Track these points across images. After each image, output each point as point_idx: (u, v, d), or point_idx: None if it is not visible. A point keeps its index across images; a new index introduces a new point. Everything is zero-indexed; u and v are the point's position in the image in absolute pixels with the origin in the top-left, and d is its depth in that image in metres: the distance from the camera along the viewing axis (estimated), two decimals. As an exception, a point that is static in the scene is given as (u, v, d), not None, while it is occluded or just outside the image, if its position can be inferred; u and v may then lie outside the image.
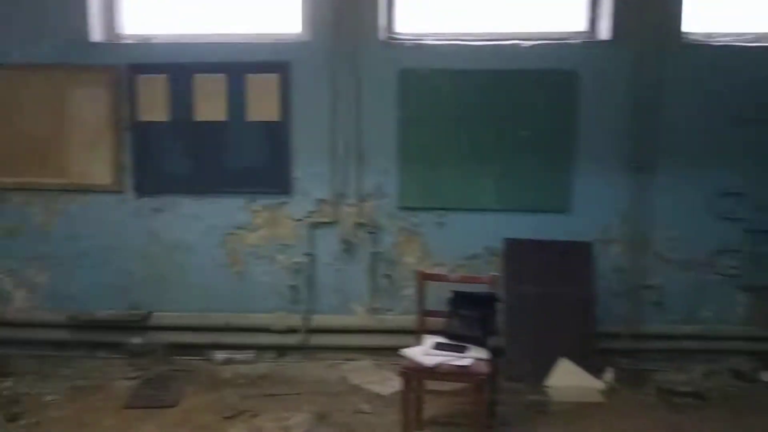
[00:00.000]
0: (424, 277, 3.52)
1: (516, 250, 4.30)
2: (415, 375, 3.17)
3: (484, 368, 3.10)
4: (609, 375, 4.10)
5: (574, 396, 3.88)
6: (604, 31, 4.24)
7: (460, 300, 3.37)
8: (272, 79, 4.30)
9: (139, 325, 4.44)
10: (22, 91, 4.37)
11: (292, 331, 4.43)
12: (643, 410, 3.75)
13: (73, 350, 4.45)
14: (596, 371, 4.08)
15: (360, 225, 4.40)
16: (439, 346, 3.24)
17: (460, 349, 3.20)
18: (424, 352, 3.19)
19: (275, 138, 4.36)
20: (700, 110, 4.20)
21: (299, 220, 4.43)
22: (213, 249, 4.47)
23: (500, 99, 4.25)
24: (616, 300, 4.33)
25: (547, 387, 3.97)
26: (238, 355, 4.38)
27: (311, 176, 4.39)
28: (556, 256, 4.26)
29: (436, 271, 4.25)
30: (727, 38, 4.25)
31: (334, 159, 4.35)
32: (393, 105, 4.29)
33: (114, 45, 4.41)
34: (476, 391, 3.10)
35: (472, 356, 3.15)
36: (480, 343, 3.26)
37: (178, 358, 4.36)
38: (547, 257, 4.27)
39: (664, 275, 4.31)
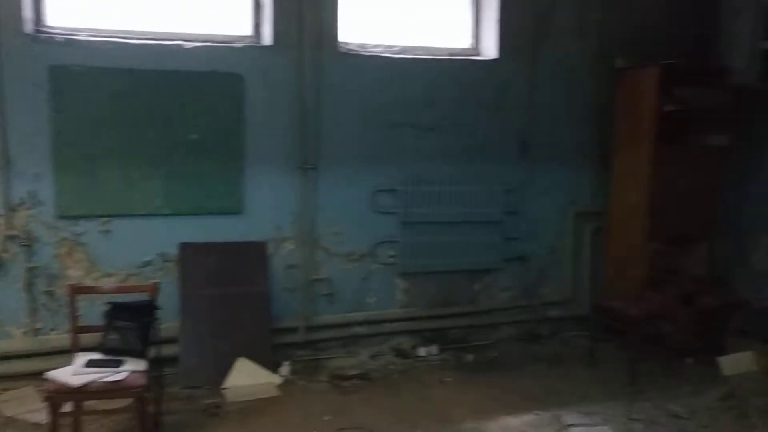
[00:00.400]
0: (76, 291, 3.28)
1: (191, 254, 4.24)
2: (63, 398, 2.94)
3: (140, 381, 2.99)
4: (285, 368, 4.27)
5: (252, 394, 3.95)
6: (267, 36, 4.37)
7: (117, 312, 3.21)
8: None
9: None
10: None
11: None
12: (315, 397, 3.98)
13: None
14: (274, 366, 4.22)
15: (11, 238, 3.95)
16: (92, 364, 3.04)
17: (116, 364, 3.05)
18: (75, 371, 2.97)
19: None
20: (357, 115, 4.56)
21: (-69, 236, 3.83)
22: None
23: (165, 100, 4.14)
24: (291, 295, 4.52)
25: (225, 389, 3.99)
26: None
27: (-55, 185, 3.82)
28: (232, 257, 4.31)
29: (105, 282, 4.03)
30: (378, 49, 4.68)
31: (-26, 165, 3.84)
32: (44, 104, 3.92)
33: None
34: (135, 405, 2.99)
35: (127, 369, 3.02)
36: (138, 354, 3.14)
37: None
38: (222, 259, 4.28)
39: (333, 268, 4.61)
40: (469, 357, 4.67)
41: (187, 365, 4.05)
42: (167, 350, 3.76)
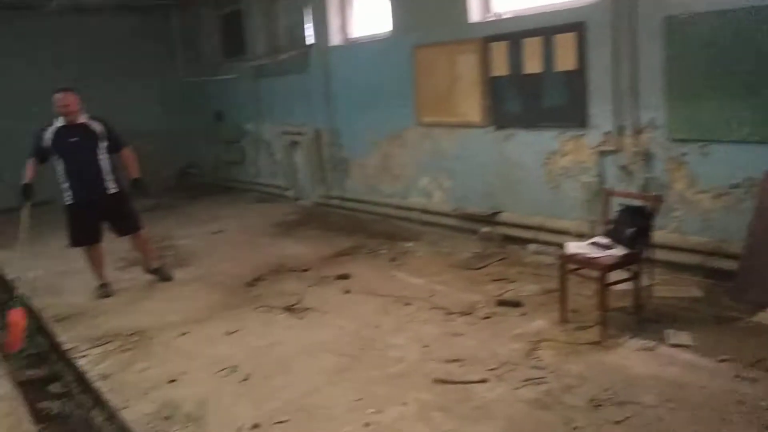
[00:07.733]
0: (608, 194, 4.42)
1: (777, 182, 4.41)
2: (563, 260, 4.26)
3: (609, 262, 3.97)
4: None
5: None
6: None
7: (624, 213, 4.17)
8: (571, 37, 5.48)
9: (489, 219, 6.41)
10: (434, 61, 6.75)
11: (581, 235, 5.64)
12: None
13: (454, 231, 6.76)
14: None
15: (636, 153, 5.22)
16: (592, 244, 4.20)
17: (607, 248, 4.10)
18: (578, 246, 4.23)
19: (575, 84, 5.54)
20: None
21: (593, 148, 5.54)
22: (537, 168, 6.01)
23: (755, 36, 4.37)
24: None
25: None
26: (542, 248, 5.87)
27: (600, 113, 5.42)
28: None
29: (701, 197, 4.83)
30: None
31: (616, 99, 5.27)
32: (659, 47, 4.91)
33: (481, 24, 6.32)
34: (599, 278, 3.99)
35: (610, 253, 4.04)
36: (626, 245, 4.05)
37: (508, 245, 6.16)
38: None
39: None
40: None
41: (744, 280, 4.38)
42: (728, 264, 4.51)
